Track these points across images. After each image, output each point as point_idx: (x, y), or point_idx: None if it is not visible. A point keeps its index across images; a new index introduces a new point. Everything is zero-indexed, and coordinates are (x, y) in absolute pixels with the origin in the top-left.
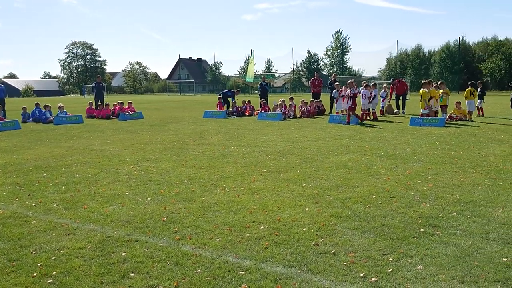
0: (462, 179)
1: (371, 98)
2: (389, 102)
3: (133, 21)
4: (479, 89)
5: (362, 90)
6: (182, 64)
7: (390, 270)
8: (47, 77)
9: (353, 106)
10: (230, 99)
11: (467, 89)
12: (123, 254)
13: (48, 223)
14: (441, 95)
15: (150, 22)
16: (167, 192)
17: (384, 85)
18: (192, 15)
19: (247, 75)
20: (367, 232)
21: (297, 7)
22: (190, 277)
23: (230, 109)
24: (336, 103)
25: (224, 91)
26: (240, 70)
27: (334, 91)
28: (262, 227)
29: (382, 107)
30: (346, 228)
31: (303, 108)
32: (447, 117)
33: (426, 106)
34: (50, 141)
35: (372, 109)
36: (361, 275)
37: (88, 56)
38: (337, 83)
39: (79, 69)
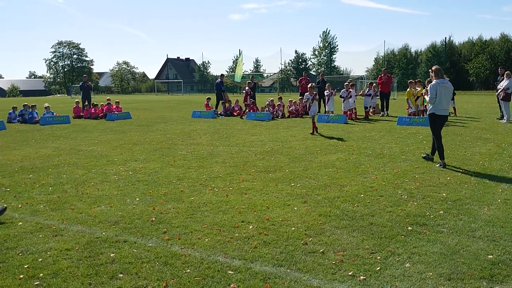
0: (448, 178)
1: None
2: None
3: (120, 20)
4: None
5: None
6: (170, 63)
7: (378, 268)
8: (33, 77)
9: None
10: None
11: None
12: (111, 255)
13: (35, 225)
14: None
15: (138, 21)
16: (156, 192)
17: (373, 84)
18: (179, 15)
19: (236, 75)
20: (355, 231)
21: (284, 7)
22: (179, 278)
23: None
24: (327, 103)
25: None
26: (228, 70)
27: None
28: (251, 226)
29: (371, 106)
30: (335, 227)
31: (291, 108)
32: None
33: (410, 105)
34: (37, 141)
35: (365, 108)
36: (350, 273)
37: (74, 56)
38: (328, 83)
39: (65, 69)
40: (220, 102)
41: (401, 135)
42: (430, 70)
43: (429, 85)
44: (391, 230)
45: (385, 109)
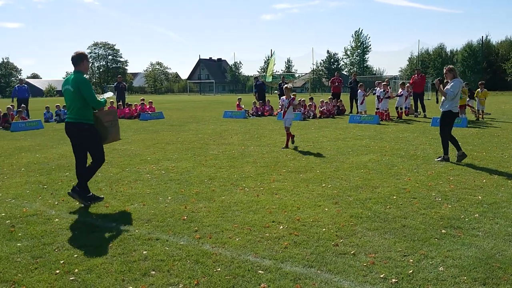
0: (484, 180)
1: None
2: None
3: (154, 22)
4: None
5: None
6: (202, 64)
7: (411, 271)
8: None
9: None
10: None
11: (477, 89)
12: (144, 252)
13: (70, 222)
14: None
15: (170, 23)
16: (188, 191)
17: (407, 85)
18: (211, 16)
19: (267, 74)
20: (387, 233)
21: (317, 7)
22: (210, 276)
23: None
24: (361, 104)
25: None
26: (260, 70)
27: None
28: (281, 227)
29: (406, 107)
30: (366, 229)
31: (323, 108)
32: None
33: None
34: None
35: (400, 109)
36: (381, 276)
37: (110, 57)
38: (361, 83)
39: (101, 70)
40: (253, 102)
41: (436, 136)
42: (446, 69)
43: (453, 82)
44: (424, 232)
45: (419, 110)
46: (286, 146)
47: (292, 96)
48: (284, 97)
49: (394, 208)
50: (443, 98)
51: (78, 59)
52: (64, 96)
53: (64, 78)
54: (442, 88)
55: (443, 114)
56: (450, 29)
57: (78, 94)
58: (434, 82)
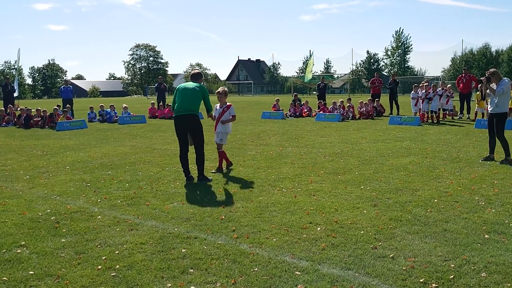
0: None
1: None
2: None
3: (194, 23)
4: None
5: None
6: (241, 65)
7: (452, 276)
8: (112, 78)
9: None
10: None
11: None
12: (183, 250)
13: (112, 219)
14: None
15: (210, 24)
16: (225, 191)
17: (449, 85)
18: (250, 17)
19: (306, 75)
20: (428, 237)
21: (356, 6)
22: (247, 275)
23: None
24: (422, 103)
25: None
26: (298, 71)
27: (422, 91)
28: (319, 228)
29: (449, 109)
30: (406, 232)
31: (362, 109)
32: None
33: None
34: (115, 140)
35: (434, 111)
36: (421, 280)
37: (151, 58)
38: (424, 83)
39: (142, 71)
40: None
41: (479, 138)
42: (488, 73)
43: (502, 81)
44: (467, 237)
45: (464, 111)
46: (219, 169)
47: (227, 104)
48: (217, 105)
49: (435, 211)
50: (490, 100)
51: (198, 76)
52: (179, 93)
53: (107, 79)
54: (490, 86)
55: (500, 115)
56: (495, 28)
57: (201, 95)
58: (481, 79)
